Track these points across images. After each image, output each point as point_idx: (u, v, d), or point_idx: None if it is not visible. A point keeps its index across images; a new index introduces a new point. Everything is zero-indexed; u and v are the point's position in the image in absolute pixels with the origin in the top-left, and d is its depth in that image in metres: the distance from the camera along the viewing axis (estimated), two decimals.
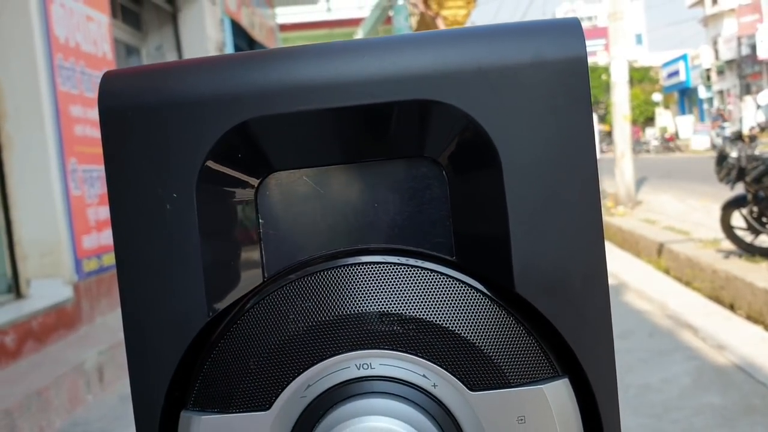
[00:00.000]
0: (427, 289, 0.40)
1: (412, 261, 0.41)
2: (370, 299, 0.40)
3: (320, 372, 0.40)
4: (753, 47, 28.08)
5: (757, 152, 6.04)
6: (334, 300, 0.40)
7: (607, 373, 0.40)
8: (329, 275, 0.40)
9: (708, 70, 36.17)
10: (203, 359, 0.41)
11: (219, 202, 0.40)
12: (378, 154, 0.41)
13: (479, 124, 0.39)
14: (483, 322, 0.40)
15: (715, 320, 4.71)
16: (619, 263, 6.76)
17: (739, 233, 5.88)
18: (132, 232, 0.40)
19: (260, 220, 0.42)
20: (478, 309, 0.40)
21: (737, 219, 5.87)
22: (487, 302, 0.40)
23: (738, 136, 6.51)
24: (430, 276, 0.40)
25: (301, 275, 0.41)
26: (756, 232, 5.74)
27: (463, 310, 0.40)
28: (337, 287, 0.40)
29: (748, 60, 29.64)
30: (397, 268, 0.40)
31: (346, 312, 0.40)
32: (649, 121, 39.64)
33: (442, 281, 0.40)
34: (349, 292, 0.40)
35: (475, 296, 0.40)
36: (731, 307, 5.04)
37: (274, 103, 0.39)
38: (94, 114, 5.25)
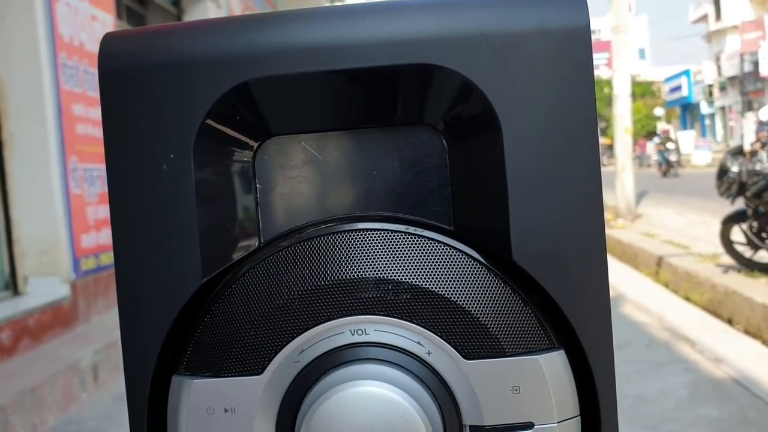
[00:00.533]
0: (424, 256, 0.40)
1: (409, 229, 0.40)
2: (366, 265, 0.39)
3: (314, 337, 0.39)
4: (756, 64, 28.14)
5: (758, 167, 6.04)
6: (329, 265, 0.40)
7: (603, 344, 0.39)
8: (326, 241, 0.40)
9: (710, 86, 36.24)
10: (196, 323, 0.41)
11: (216, 164, 0.40)
12: (377, 120, 0.41)
13: (480, 90, 0.38)
14: (479, 291, 0.39)
15: (713, 334, 4.70)
16: (617, 275, 6.76)
17: (739, 248, 5.87)
18: (128, 192, 0.39)
19: (257, 185, 0.41)
20: (474, 278, 0.40)
21: (737, 234, 5.86)
22: (484, 271, 0.40)
23: (739, 151, 6.52)
24: (427, 244, 0.40)
25: (296, 241, 0.40)
26: (755, 247, 5.73)
27: (459, 278, 0.39)
28: (333, 253, 0.40)
29: (750, 77, 29.70)
30: (394, 236, 0.40)
31: (341, 277, 0.39)
32: (651, 135, 39.74)
33: (439, 249, 0.40)
34: (345, 258, 0.40)
35: (472, 265, 0.40)
36: (729, 322, 5.03)
37: (273, 65, 0.38)
38: (96, 113, 5.26)
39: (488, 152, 0.39)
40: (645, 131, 39.99)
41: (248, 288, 0.40)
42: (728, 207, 6.06)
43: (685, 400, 3.60)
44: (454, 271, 0.39)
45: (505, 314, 0.39)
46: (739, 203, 5.95)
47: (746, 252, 5.83)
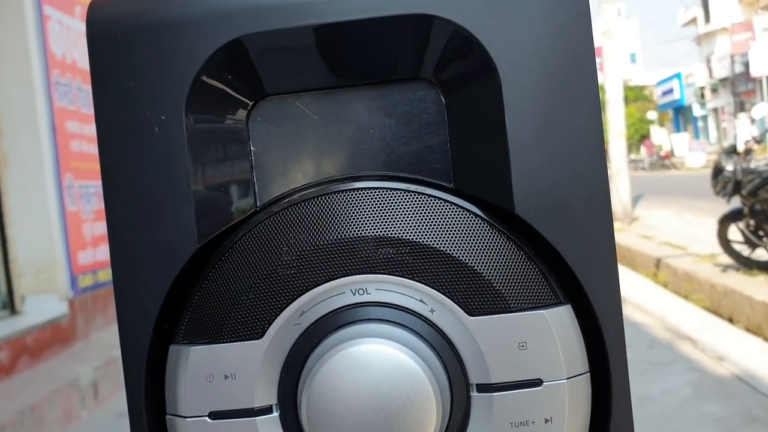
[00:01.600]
0: (425, 213, 0.39)
1: (409, 187, 0.39)
2: (366, 224, 0.39)
3: (314, 298, 0.38)
4: (746, 65, 28.26)
5: (752, 165, 6.05)
6: (328, 226, 0.39)
7: (611, 298, 0.38)
8: (323, 201, 0.39)
9: (702, 88, 36.38)
10: (193, 290, 0.40)
11: (209, 126, 0.39)
12: (373, 77, 0.40)
13: (478, 41, 0.38)
14: (482, 247, 0.38)
15: (714, 332, 4.69)
16: None
17: (737, 247, 5.87)
18: (119, 156, 0.39)
19: (251, 147, 0.40)
20: (477, 233, 0.39)
21: (734, 233, 5.86)
22: (487, 227, 0.39)
23: (733, 150, 6.53)
24: (427, 201, 0.39)
25: (293, 202, 0.39)
26: (753, 246, 5.73)
27: (461, 234, 0.39)
28: (332, 213, 0.39)
29: (741, 78, 29.84)
30: (393, 194, 0.39)
31: (340, 237, 0.38)
32: (644, 138, 39.82)
33: (439, 206, 0.39)
34: (343, 217, 0.39)
35: (474, 221, 0.39)
36: (730, 321, 5.02)
37: (266, 20, 0.37)
38: (90, 130, 5.25)
39: (487, 105, 0.38)
40: (638, 135, 40.09)
41: (245, 252, 0.39)
42: (724, 207, 6.06)
43: (689, 399, 3.58)
44: (456, 227, 0.39)
45: (510, 269, 0.38)
46: (735, 202, 5.95)
47: (744, 250, 5.83)
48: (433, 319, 0.38)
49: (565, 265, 0.38)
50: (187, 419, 0.39)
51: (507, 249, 0.39)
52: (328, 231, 0.39)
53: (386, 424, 0.37)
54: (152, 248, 0.39)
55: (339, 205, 0.39)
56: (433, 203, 0.39)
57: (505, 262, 0.38)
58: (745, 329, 4.76)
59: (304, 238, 0.39)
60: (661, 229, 9.22)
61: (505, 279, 0.38)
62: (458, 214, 0.39)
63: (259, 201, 0.40)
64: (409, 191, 0.39)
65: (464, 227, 0.39)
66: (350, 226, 0.39)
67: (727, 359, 4.10)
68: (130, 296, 0.39)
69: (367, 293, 0.38)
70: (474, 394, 0.38)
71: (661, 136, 39.10)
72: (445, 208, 0.39)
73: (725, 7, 33.06)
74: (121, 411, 4.00)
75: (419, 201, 0.39)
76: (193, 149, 0.38)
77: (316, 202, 0.39)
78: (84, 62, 5.27)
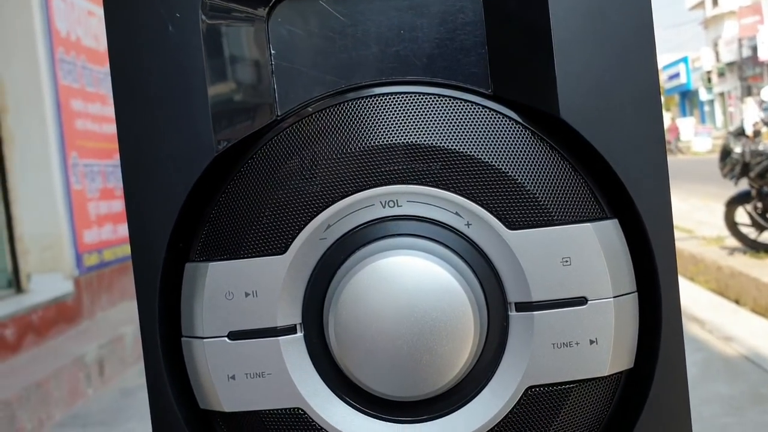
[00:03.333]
0: (461, 120, 0.36)
1: (444, 91, 0.36)
2: (397, 132, 0.36)
3: (341, 211, 0.36)
4: (754, 49, 28.04)
5: (761, 147, 6.00)
6: (354, 134, 0.36)
7: (662, 212, 0.35)
8: (349, 108, 0.36)
9: (709, 72, 36.12)
10: (210, 204, 0.37)
11: (226, 26, 0.36)
12: None
13: None
14: (523, 156, 0.36)
15: (721, 313, 4.66)
16: None
17: (744, 230, 5.83)
18: (130, 58, 0.36)
19: (272, 51, 0.37)
20: (517, 141, 0.36)
21: (741, 215, 5.82)
22: (528, 134, 0.36)
23: (741, 133, 6.47)
24: (463, 106, 0.36)
25: (318, 109, 0.36)
26: (760, 228, 5.69)
27: (500, 142, 0.36)
28: (359, 120, 0.36)
29: (749, 62, 29.61)
30: (426, 99, 0.36)
31: (369, 145, 0.36)
32: None
33: (476, 112, 0.36)
34: (371, 125, 0.36)
35: (515, 128, 0.36)
36: (736, 303, 4.99)
37: None
38: (95, 108, 5.22)
39: (529, 1, 0.35)
40: None
41: (266, 162, 0.36)
42: (730, 192, 6.01)
43: (696, 378, 3.56)
44: (495, 135, 0.36)
45: (553, 180, 0.35)
46: (743, 185, 5.90)
47: (751, 233, 5.79)
48: (468, 234, 0.35)
49: (613, 178, 0.35)
50: (205, 340, 0.36)
51: (550, 158, 0.36)
52: (355, 139, 0.36)
53: (419, 341, 0.34)
54: (166, 158, 0.36)
55: (367, 112, 0.36)
56: (470, 109, 0.36)
57: (548, 172, 0.36)
58: (752, 311, 4.73)
59: (330, 147, 0.36)
60: None
61: (548, 190, 0.35)
62: (497, 121, 0.36)
63: (279, 109, 0.37)
64: (443, 96, 0.36)
65: (504, 134, 0.36)
66: (379, 133, 0.36)
67: (735, 340, 4.07)
68: (142, 211, 0.36)
69: (397, 206, 0.36)
70: (513, 313, 0.36)
71: (666, 120, 38.89)
72: (483, 114, 0.36)
73: None
74: (127, 389, 4.00)
75: (454, 107, 0.36)
76: (209, 50, 0.35)
77: (341, 109, 0.36)
78: (88, 41, 5.23)
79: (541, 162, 0.36)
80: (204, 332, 0.36)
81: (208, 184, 0.37)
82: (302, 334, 0.36)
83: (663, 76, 44.12)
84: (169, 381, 0.37)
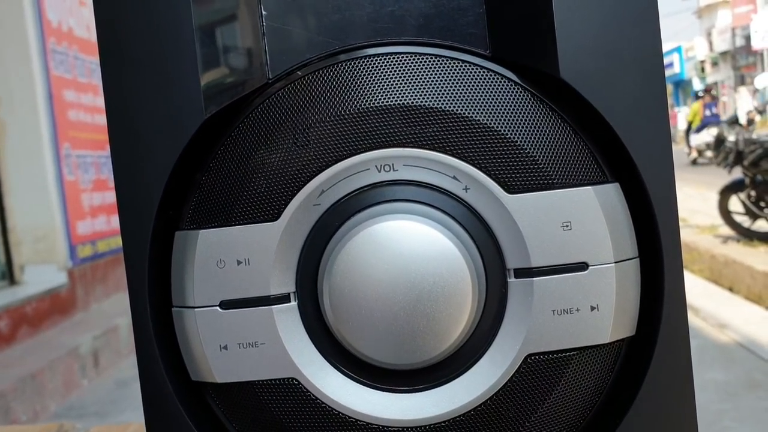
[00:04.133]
0: (458, 81, 0.35)
1: (441, 52, 0.35)
2: (392, 93, 0.35)
3: (336, 175, 0.35)
4: (747, 38, 28.04)
5: (754, 136, 6.01)
6: (349, 95, 0.35)
7: (664, 176, 0.34)
8: (343, 69, 0.35)
9: (702, 61, 36.11)
10: (201, 170, 0.36)
11: None
12: None
13: None
14: (523, 117, 0.35)
15: (716, 300, 4.67)
16: None
17: (738, 218, 5.84)
18: (116, 14, 0.34)
19: (263, 12, 0.36)
20: (517, 103, 0.35)
21: (735, 204, 5.82)
22: (528, 96, 0.35)
23: (735, 121, 6.49)
24: (460, 67, 0.35)
25: (311, 70, 0.35)
26: (754, 216, 5.70)
27: (499, 104, 0.35)
28: (353, 82, 0.35)
29: (742, 51, 29.62)
30: (422, 59, 0.35)
31: (364, 107, 0.35)
32: None
33: (474, 72, 0.35)
34: (366, 86, 0.35)
35: (514, 89, 0.35)
36: (730, 290, 5.01)
37: None
38: (87, 99, 5.19)
39: None
40: None
41: (257, 126, 0.35)
42: (723, 181, 6.02)
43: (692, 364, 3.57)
44: (494, 96, 0.35)
45: (553, 142, 0.34)
46: (737, 173, 5.91)
47: (745, 222, 5.80)
48: (466, 199, 0.35)
49: (614, 140, 0.35)
50: (196, 310, 0.35)
51: (550, 120, 0.35)
52: (350, 101, 0.35)
53: (416, 306, 0.33)
54: (154, 120, 0.35)
55: (360, 74, 0.35)
56: (468, 70, 0.35)
57: (548, 135, 0.35)
58: (746, 298, 4.74)
59: (323, 110, 0.35)
60: None
61: (548, 153, 0.34)
62: (496, 82, 0.35)
63: (270, 72, 0.36)
64: (440, 56, 0.35)
65: (503, 96, 0.35)
66: (374, 95, 0.35)
67: (729, 327, 4.09)
68: (130, 177, 0.35)
69: (394, 170, 0.35)
70: (511, 279, 0.35)
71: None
72: (481, 75, 0.35)
73: None
74: (122, 380, 3.99)
75: (451, 67, 0.35)
76: (198, 11, 0.34)
77: (334, 71, 0.35)
78: (80, 31, 5.19)
79: (540, 124, 0.35)
80: (195, 302, 0.35)
81: (199, 149, 0.36)
82: (296, 303, 0.36)
83: None
84: (159, 353, 0.36)
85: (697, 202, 8.46)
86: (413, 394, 0.36)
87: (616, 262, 0.34)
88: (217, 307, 0.35)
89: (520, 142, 0.34)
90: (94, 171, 5.18)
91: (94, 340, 4.15)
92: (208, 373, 0.36)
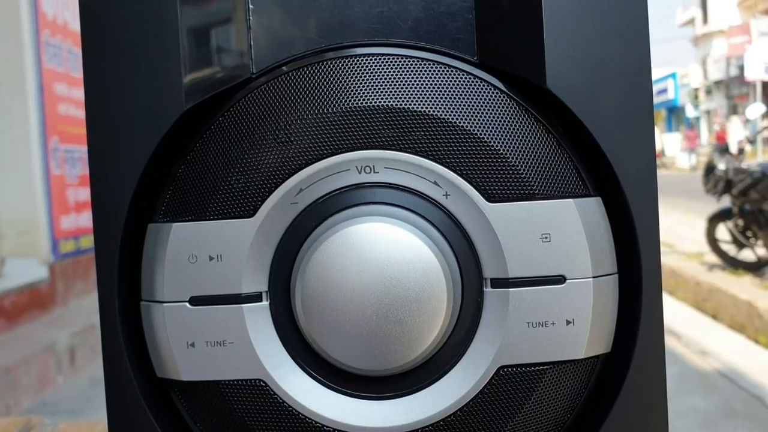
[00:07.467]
0: (444, 86, 0.34)
1: (428, 56, 0.35)
2: (376, 94, 0.34)
3: (314, 175, 0.34)
4: (741, 68, 28.28)
5: (744, 165, 6.05)
6: (332, 94, 0.34)
7: (647, 192, 0.34)
8: (328, 67, 0.34)
9: (696, 89, 36.36)
10: (177, 163, 0.35)
11: None
12: None
13: None
14: (507, 126, 0.34)
15: (699, 328, 4.69)
16: None
17: (724, 246, 5.87)
18: (101, 3, 0.34)
19: (249, 6, 0.36)
20: (501, 111, 0.34)
21: (722, 232, 5.85)
22: (513, 105, 0.34)
23: (725, 149, 6.53)
24: (446, 72, 0.34)
25: (295, 67, 0.35)
26: (740, 245, 5.73)
27: (484, 111, 0.34)
28: (338, 81, 0.34)
29: (735, 81, 29.84)
30: (408, 62, 0.35)
31: (347, 107, 0.34)
32: None
33: (460, 78, 0.34)
34: (350, 86, 0.34)
35: (499, 97, 0.34)
36: (714, 318, 5.02)
37: None
38: (78, 93, 5.16)
39: None
40: None
41: (237, 121, 0.34)
42: (712, 208, 6.05)
43: (671, 391, 3.57)
44: (479, 103, 0.34)
45: (536, 153, 0.34)
46: (725, 201, 5.95)
47: (731, 250, 5.83)
48: (446, 205, 0.34)
49: (598, 154, 0.34)
50: (165, 305, 0.35)
51: (535, 130, 0.34)
52: (333, 100, 0.34)
53: (389, 311, 0.33)
54: (132, 110, 0.34)
55: (346, 73, 0.34)
56: (454, 75, 0.34)
57: (531, 145, 0.34)
58: (729, 327, 4.76)
59: (305, 107, 0.34)
60: None
61: (531, 163, 0.34)
62: (482, 89, 0.34)
63: (255, 67, 0.36)
64: (426, 60, 0.35)
65: (488, 103, 0.34)
66: (358, 95, 0.34)
67: (711, 355, 4.10)
68: (105, 167, 0.35)
69: (374, 172, 0.34)
70: (488, 289, 0.34)
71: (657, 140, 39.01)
72: (468, 82, 0.34)
73: (724, 9, 33.06)
74: (97, 378, 3.95)
75: (438, 72, 0.34)
76: (183, 1, 0.34)
77: (319, 68, 0.35)
78: (76, 25, 5.17)
79: (525, 134, 0.34)
80: (164, 296, 0.35)
81: (177, 142, 0.35)
82: (268, 303, 0.35)
83: None
84: (125, 347, 0.36)
85: (685, 228, 8.50)
86: (383, 401, 0.35)
87: (594, 277, 0.34)
88: (187, 303, 0.34)
89: (503, 150, 0.34)
90: (81, 166, 5.15)
91: (72, 336, 4.11)
92: (173, 370, 0.35)
